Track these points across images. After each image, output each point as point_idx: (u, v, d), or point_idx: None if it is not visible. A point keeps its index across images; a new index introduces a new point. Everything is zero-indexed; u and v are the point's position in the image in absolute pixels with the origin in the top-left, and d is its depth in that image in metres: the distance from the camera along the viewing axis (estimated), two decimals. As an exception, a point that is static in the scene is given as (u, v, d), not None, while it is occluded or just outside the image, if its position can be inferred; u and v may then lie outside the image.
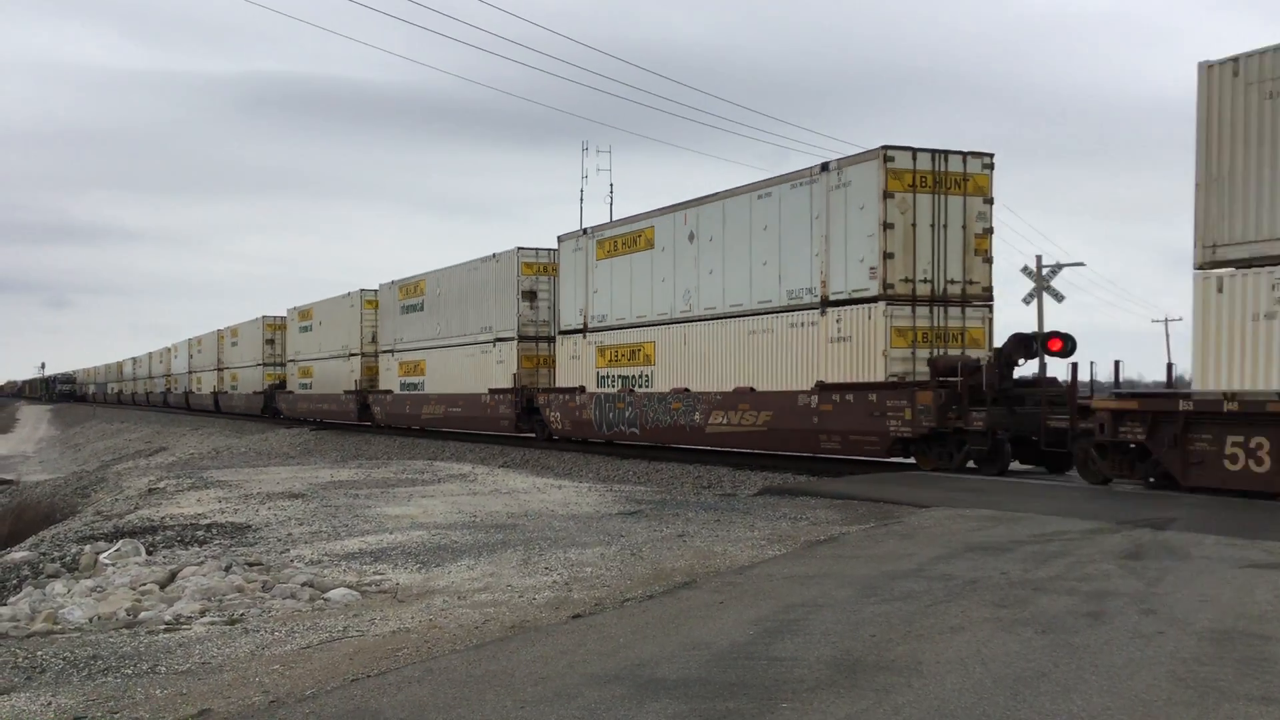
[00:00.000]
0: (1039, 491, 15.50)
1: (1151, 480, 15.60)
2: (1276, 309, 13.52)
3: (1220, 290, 14.18)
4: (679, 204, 25.22)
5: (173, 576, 11.04)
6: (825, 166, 20.89)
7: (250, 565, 11.46)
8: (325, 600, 9.68)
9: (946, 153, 19.99)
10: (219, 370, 64.36)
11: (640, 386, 26.18)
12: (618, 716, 5.69)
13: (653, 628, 7.70)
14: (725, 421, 23.09)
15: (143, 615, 9.36)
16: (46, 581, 11.67)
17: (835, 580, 9.17)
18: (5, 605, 10.39)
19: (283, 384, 52.22)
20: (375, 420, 41.49)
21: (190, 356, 72.37)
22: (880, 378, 19.50)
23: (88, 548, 13.34)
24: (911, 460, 19.83)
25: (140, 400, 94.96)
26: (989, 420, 18.04)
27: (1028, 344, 18.94)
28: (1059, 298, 46.44)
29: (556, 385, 30.03)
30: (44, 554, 14.10)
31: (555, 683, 6.33)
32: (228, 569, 11.17)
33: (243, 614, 9.23)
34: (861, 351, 19.96)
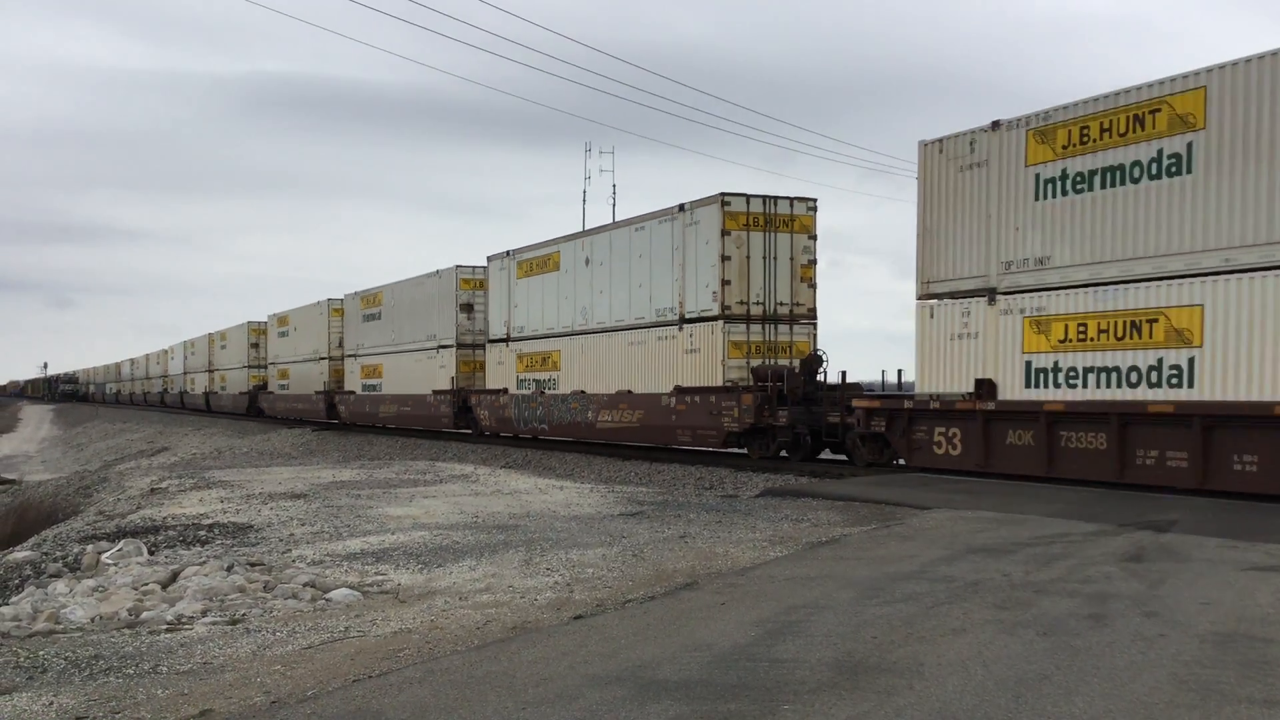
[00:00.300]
0: (1041, 494, 15.49)
1: (897, 462, 20.06)
2: (964, 331, 18.36)
3: (931, 316, 18.88)
4: (579, 233, 29.46)
5: (174, 576, 11.05)
6: (682, 207, 24.88)
7: (252, 565, 11.47)
8: (327, 600, 9.68)
9: (776, 198, 24.08)
10: (210, 372, 67.81)
11: (549, 389, 30.43)
12: (619, 718, 5.69)
13: (654, 629, 7.70)
14: (610, 419, 27.31)
15: (144, 615, 9.36)
16: (48, 581, 11.69)
17: (837, 582, 9.17)
18: (7, 605, 10.40)
19: (265, 385, 55.94)
20: (341, 418, 45.36)
21: (185, 358, 75.63)
22: (719, 383, 23.59)
23: (90, 547, 13.36)
24: (744, 450, 23.72)
25: (138, 400, 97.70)
26: (790, 418, 22.29)
27: (819, 358, 23.53)
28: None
29: (486, 387, 34.21)
30: (46, 554, 14.12)
31: (557, 684, 6.33)
32: (230, 569, 11.18)
33: (244, 614, 9.24)
34: (707, 361, 24.06)
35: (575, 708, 5.86)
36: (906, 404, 19.34)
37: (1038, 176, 17.29)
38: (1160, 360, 15.51)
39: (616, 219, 31.39)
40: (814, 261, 24.48)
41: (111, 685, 6.88)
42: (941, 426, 18.66)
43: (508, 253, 32.73)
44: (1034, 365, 17.34)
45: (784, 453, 22.89)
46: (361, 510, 16.12)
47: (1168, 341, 15.41)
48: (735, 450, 24.01)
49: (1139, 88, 15.99)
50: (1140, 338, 15.76)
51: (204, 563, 11.64)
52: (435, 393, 36.82)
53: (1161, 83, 15.70)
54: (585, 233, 29.16)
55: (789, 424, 22.26)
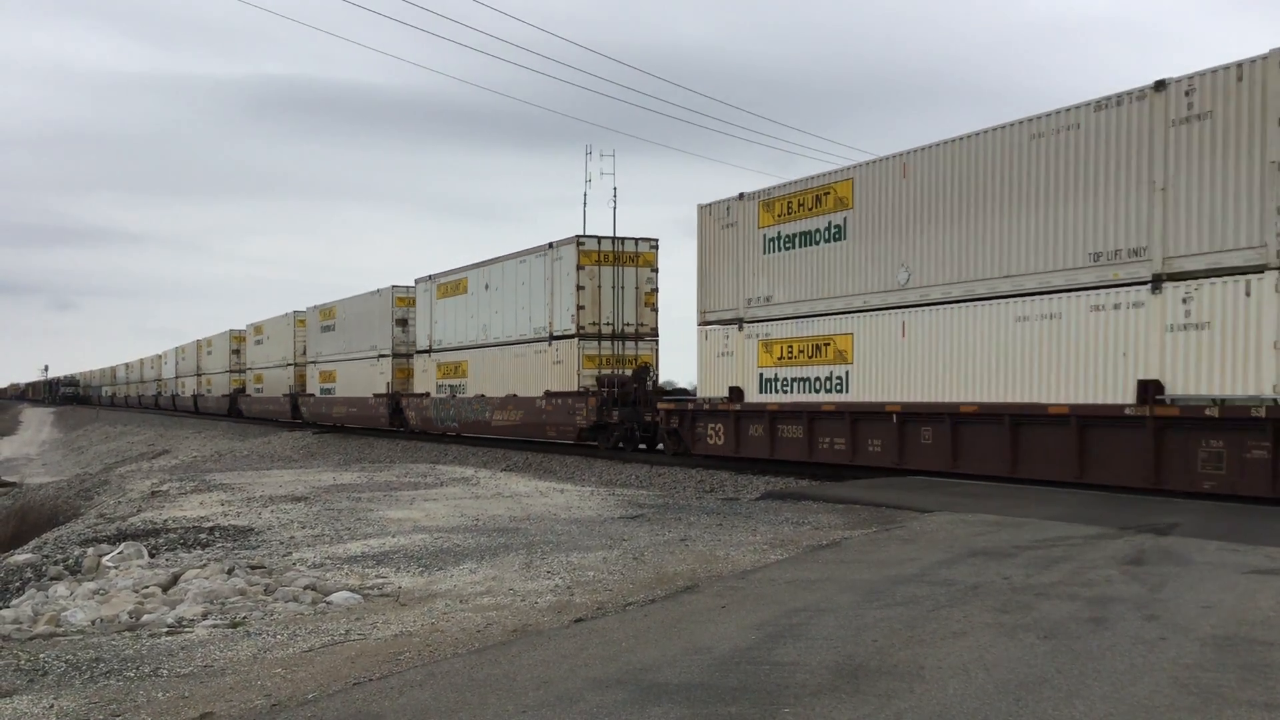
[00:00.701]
0: (1041, 497, 15.48)
1: (692, 454, 24.97)
2: (725, 350, 23.90)
3: (706, 338, 24.48)
4: (481, 262, 35.14)
5: (175, 579, 11.05)
6: (551, 245, 30.82)
7: (253, 568, 11.47)
8: (327, 603, 9.68)
9: (624, 238, 30.15)
10: (198, 376, 73.15)
11: (459, 393, 36.07)
12: (619, 721, 5.69)
13: (655, 632, 7.70)
14: (502, 417, 33.07)
15: (145, 618, 9.36)
16: (49, 584, 11.69)
17: (837, 585, 9.17)
18: (8, 607, 10.40)
19: (243, 388, 61.54)
20: (304, 417, 50.61)
21: (176, 363, 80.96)
22: (575, 388, 29.31)
23: (90, 550, 13.36)
24: (595, 443, 29.05)
25: (132, 403, 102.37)
26: (620, 417, 28.16)
27: (647, 369, 29.36)
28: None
29: (414, 391, 39.94)
30: (47, 556, 14.12)
31: (557, 687, 6.33)
32: (230, 572, 11.18)
33: (245, 617, 9.24)
34: (568, 371, 29.82)
35: (576, 711, 5.86)
36: (689, 406, 25.12)
37: (764, 236, 22.97)
38: (831, 373, 21.23)
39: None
40: (655, 290, 30.59)
41: (112, 688, 6.88)
42: (712, 423, 24.30)
43: (429, 277, 38.79)
44: (764, 376, 22.97)
45: (621, 445, 28.32)
46: (362, 513, 16.13)
47: (835, 360, 21.12)
48: (590, 443, 29.20)
49: (820, 175, 21.75)
50: (821, 357, 21.51)
51: (205, 565, 11.64)
52: (375, 395, 42.49)
53: (831, 174, 21.45)
54: (485, 262, 34.74)
55: (620, 421, 28.14)
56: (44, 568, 13.08)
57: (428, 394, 38.27)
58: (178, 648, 8.01)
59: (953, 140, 18.52)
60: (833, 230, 21.11)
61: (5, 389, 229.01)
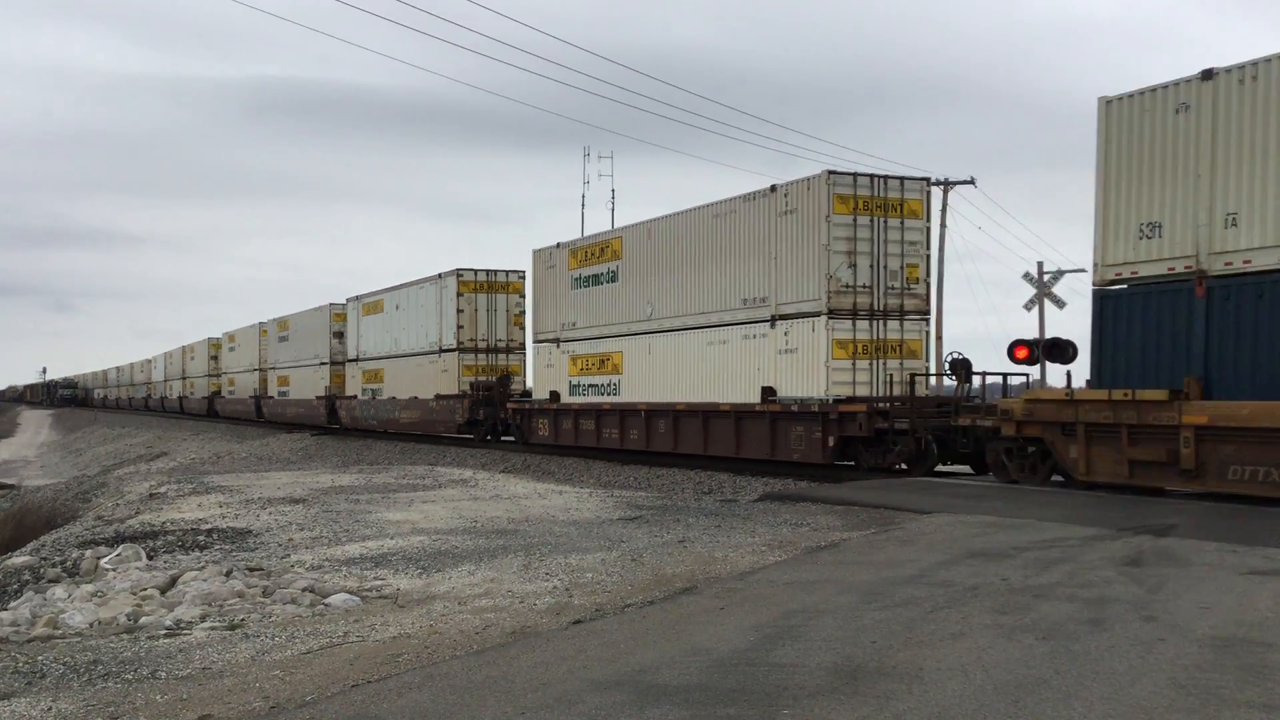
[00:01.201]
0: (1039, 498, 15.49)
1: (529, 442, 31.50)
2: (550, 363, 31.22)
3: (537, 353, 31.93)
4: (394, 287, 41.33)
5: (173, 581, 11.04)
6: (440, 275, 36.76)
7: (251, 570, 11.46)
8: (326, 605, 9.68)
9: (497, 270, 36.36)
10: (183, 379, 79.45)
11: (378, 395, 42.59)
12: (618, 723, 5.68)
13: (653, 634, 7.70)
14: (406, 415, 39.82)
15: (143, 620, 9.36)
16: (47, 586, 11.68)
17: (836, 586, 9.16)
18: (6, 610, 10.39)
19: (219, 391, 68.96)
20: (264, 415, 57.25)
21: (165, 367, 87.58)
22: (456, 392, 35.86)
23: (89, 553, 13.34)
24: (470, 436, 35.93)
25: (124, 404, 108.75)
26: (485, 415, 34.71)
27: (509, 376, 35.61)
28: (1060, 304, 46.45)
29: (345, 394, 46.26)
30: (45, 559, 14.11)
31: (556, 689, 6.33)
32: (228, 574, 11.17)
33: (243, 619, 9.23)
34: (452, 377, 36.05)
35: (574, 712, 5.86)
36: (527, 405, 32.31)
37: (571, 276, 30.21)
38: (609, 381, 28.40)
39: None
40: (523, 312, 35.95)
41: (110, 690, 6.88)
42: (540, 418, 31.41)
43: (357, 297, 45.31)
44: (572, 383, 30.13)
45: (489, 436, 35.25)
46: (360, 515, 16.12)
47: (612, 371, 28.19)
48: (466, 435, 36.34)
49: (604, 233, 29.70)
50: (604, 369, 28.63)
51: (203, 568, 11.63)
52: (317, 397, 49.09)
53: (610, 233, 29.56)
54: (397, 287, 41.11)
55: (485, 419, 34.83)
56: (42, 570, 13.07)
57: (355, 396, 45.26)
58: (176, 650, 8.00)
59: (674, 214, 26.13)
60: (611, 274, 28.46)
61: (3, 391, 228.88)
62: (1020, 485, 17.40)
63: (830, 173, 21.27)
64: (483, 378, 35.61)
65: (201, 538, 14.21)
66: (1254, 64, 14.49)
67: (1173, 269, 15.54)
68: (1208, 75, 14.97)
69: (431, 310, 37.40)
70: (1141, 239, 15.87)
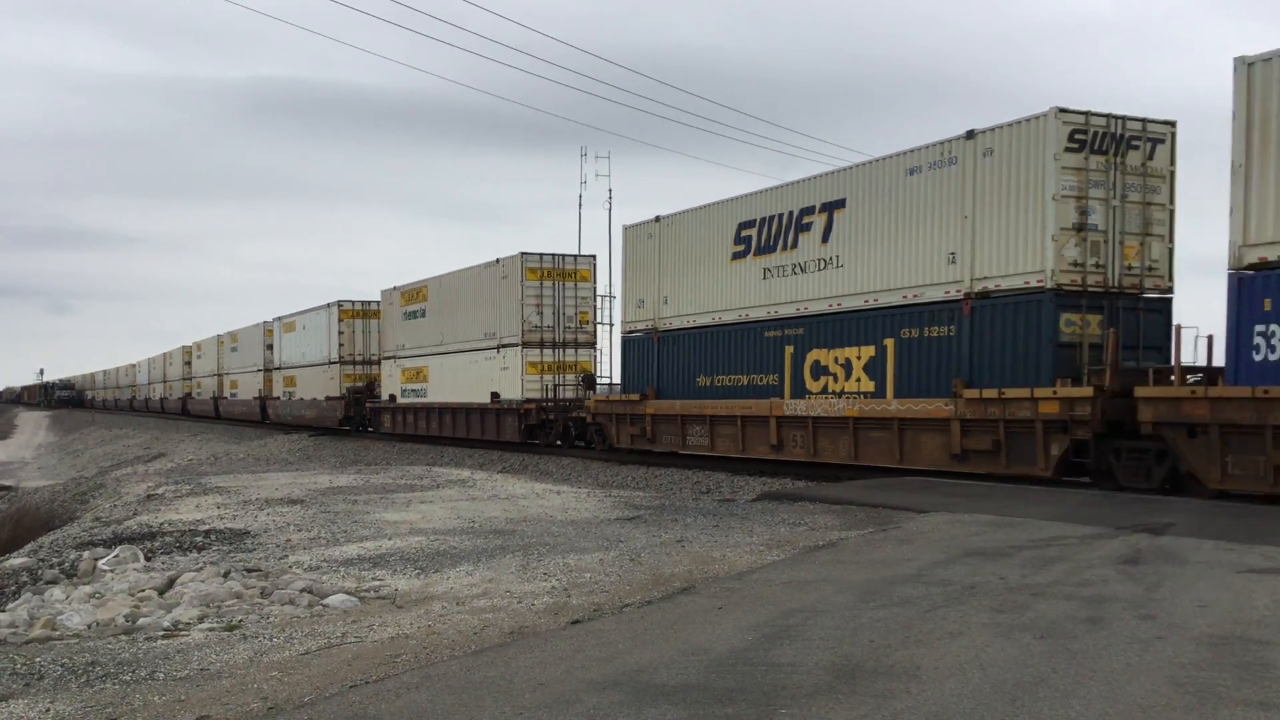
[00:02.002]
0: (1037, 497, 15.51)
1: (375, 432, 45.41)
2: (390, 373, 43.98)
3: (382, 363, 46.41)
4: (302, 311, 52.46)
5: (171, 583, 11.03)
6: (329, 305, 48.28)
7: (249, 571, 11.45)
8: (324, 606, 9.67)
9: (368, 301, 47.84)
10: (165, 382, 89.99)
11: (292, 396, 52.92)
12: (616, 722, 5.68)
13: (651, 633, 7.70)
14: (309, 414, 50.05)
15: (141, 621, 9.35)
16: (45, 588, 11.66)
17: (834, 585, 9.17)
18: (4, 611, 10.38)
19: (190, 393, 79.85)
20: (220, 414, 68.93)
21: (149, 371, 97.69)
22: (338, 394, 46.83)
23: (86, 554, 13.33)
24: (347, 429, 46.90)
25: (110, 405, 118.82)
26: (354, 412, 46.01)
27: (373, 383, 46.12)
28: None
29: (272, 395, 57.08)
30: (43, 560, 14.10)
31: (554, 689, 6.33)
32: (226, 575, 11.16)
33: (241, 620, 9.23)
34: (336, 383, 47.11)
35: (572, 712, 5.86)
36: (379, 405, 43.83)
37: (402, 311, 41.89)
38: (422, 386, 39.79)
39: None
40: (380, 331, 45.71)
41: (108, 692, 6.87)
42: (388, 414, 43.05)
43: (279, 317, 56.16)
44: (403, 388, 41.64)
45: (359, 429, 46.44)
46: (358, 516, 16.11)
47: (424, 380, 39.86)
48: (345, 428, 46.94)
49: (418, 282, 40.95)
50: (419, 379, 40.30)
51: (201, 569, 11.63)
52: (254, 398, 60.49)
53: (421, 282, 40.48)
54: (304, 311, 51.88)
55: (355, 415, 46.21)
56: (40, 571, 13.06)
57: (278, 397, 57.19)
58: (174, 651, 7.99)
59: (450, 273, 38.42)
60: (421, 310, 40.38)
61: (0, 392, 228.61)
62: (1019, 484, 17.38)
63: (523, 253, 33.66)
64: (357, 384, 46.81)
65: (199, 539, 14.20)
66: None
67: None
68: None
69: (324, 332, 49.18)
70: None
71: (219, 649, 8.00)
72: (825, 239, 21.77)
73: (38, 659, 7.81)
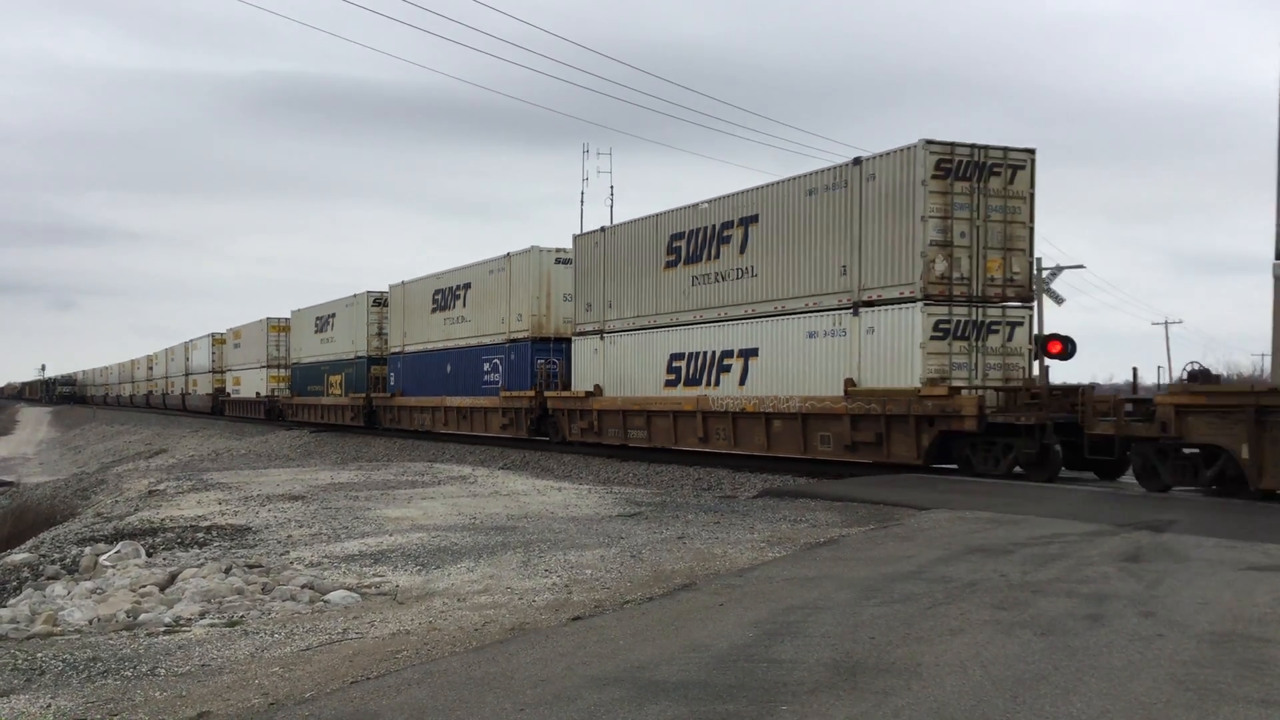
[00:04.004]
0: (1039, 494, 15.50)
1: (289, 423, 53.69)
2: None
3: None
4: (240, 325, 63.57)
5: (172, 578, 11.04)
6: (266, 318, 57.83)
7: (250, 567, 11.46)
8: (325, 602, 9.68)
9: (280, 318, 57.01)
10: (149, 380, 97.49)
11: (234, 395, 63.52)
12: (617, 719, 5.69)
13: (652, 630, 7.70)
14: (249, 412, 57.95)
15: (142, 617, 9.35)
16: (46, 583, 11.67)
17: (835, 582, 9.17)
18: (5, 607, 10.39)
19: (152, 392, 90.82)
20: (186, 408, 76.85)
21: (150, 369, 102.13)
22: (265, 394, 56.73)
23: (88, 549, 13.34)
24: (265, 420, 55.35)
25: (109, 400, 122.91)
26: (273, 406, 56.23)
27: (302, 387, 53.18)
28: (1058, 300, 46.50)
29: (226, 392, 66.33)
30: (44, 556, 14.11)
31: (555, 685, 6.33)
32: (227, 571, 11.17)
33: (242, 616, 9.23)
34: (265, 384, 56.23)
35: (573, 709, 5.86)
36: (289, 400, 52.31)
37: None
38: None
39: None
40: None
41: (109, 687, 6.88)
42: (289, 409, 51.27)
43: (225, 331, 66.25)
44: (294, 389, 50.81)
45: (277, 418, 54.62)
46: (359, 512, 16.12)
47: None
48: (264, 419, 55.55)
49: (351, 295, 46.06)
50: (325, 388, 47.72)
51: (202, 565, 11.63)
52: (208, 394, 69.73)
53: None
54: (241, 325, 61.48)
55: (273, 409, 55.19)
56: (41, 567, 13.07)
57: (229, 394, 66.23)
58: (175, 647, 8.00)
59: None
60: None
61: (2, 388, 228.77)
62: (1020, 482, 17.41)
63: (387, 287, 42.16)
64: (280, 384, 55.72)
65: (201, 535, 14.21)
66: None
67: None
68: None
69: (260, 341, 57.35)
70: None
71: (220, 645, 8.01)
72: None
73: (39, 654, 7.81)
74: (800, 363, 22.01)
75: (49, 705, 6.49)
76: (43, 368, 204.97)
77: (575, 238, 30.39)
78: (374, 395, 43.73)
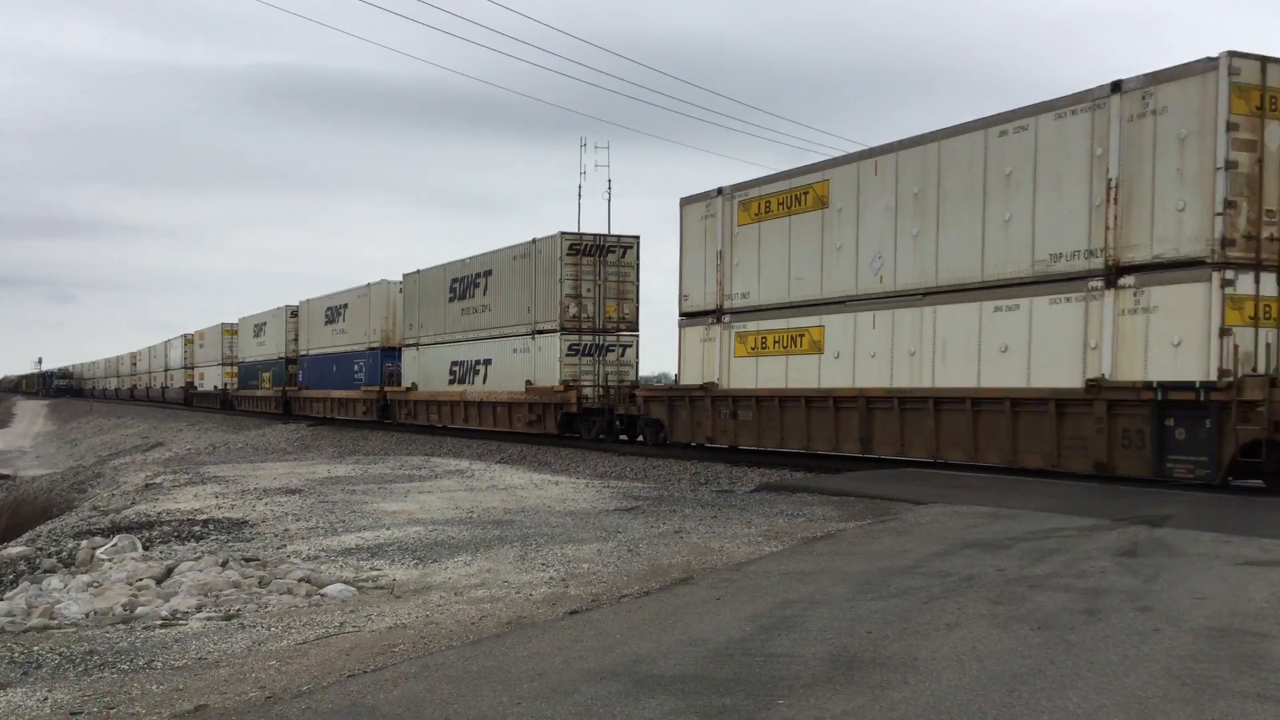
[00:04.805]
0: (1036, 489, 15.52)
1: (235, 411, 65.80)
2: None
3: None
4: (193, 331, 76.73)
5: (169, 572, 11.03)
6: (222, 324, 69.75)
7: (247, 561, 11.45)
8: (322, 596, 9.68)
9: (232, 323, 68.27)
10: (133, 375, 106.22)
11: (200, 387, 71.09)
12: (614, 713, 5.69)
13: (649, 624, 7.71)
14: (208, 404, 69.02)
15: (139, 610, 9.35)
16: (43, 577, 11.67)
17: (832, 577, 9.18)
18: (2, 600, 10.38)
19: (136, 385, 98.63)
20: (165, 399, 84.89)
21: (133, 364, 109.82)
22: (220, 388, 70.15)
23: (84, 543, 13.34)
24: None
25: (95, 392, 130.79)
26: (227, 399, 68.69)
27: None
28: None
29: (195, 385, 73.76)
30: (40, 549, 14.11)
31: (552, 679, 6.33)
32: (224, 564, 11.17)
33: (239, 610, 9.23)
34: (221, 377, 68.55)
35: (570, 702, 5.87)
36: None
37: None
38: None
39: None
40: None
41: (106, 681, 6.88)
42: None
43: (191, 334, 72.51)
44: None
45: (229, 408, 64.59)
46: (357, 505, 16.11)
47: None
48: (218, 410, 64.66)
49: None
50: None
51: (199, 558, 11.63)
52: (179, 388, 79.01)
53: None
54: (192, 332, 73.09)
55: (227, 401, 64.22)
56: (38, 560, 13.07)
57: (199, 389, 73.19)
58: (172, 640, 8.00)
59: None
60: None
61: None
62: (1018, 476, 17.43)
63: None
64: (231, 379, 64.17)
65: (197, 528, 14.20)
66: None
67: None
68: None
69: (217, 343, 66.18)
70: None
71: (217, 638, 8.00)
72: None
73: (35, 648, 7.81)
74: (510, 369, 33.72)
75: (45, 698, 6.48)
76: (39, 360, 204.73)
77: (404, 275, 42.56)
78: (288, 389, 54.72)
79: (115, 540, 13.20)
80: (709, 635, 7.24)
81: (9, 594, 10.90)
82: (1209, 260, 14.57)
